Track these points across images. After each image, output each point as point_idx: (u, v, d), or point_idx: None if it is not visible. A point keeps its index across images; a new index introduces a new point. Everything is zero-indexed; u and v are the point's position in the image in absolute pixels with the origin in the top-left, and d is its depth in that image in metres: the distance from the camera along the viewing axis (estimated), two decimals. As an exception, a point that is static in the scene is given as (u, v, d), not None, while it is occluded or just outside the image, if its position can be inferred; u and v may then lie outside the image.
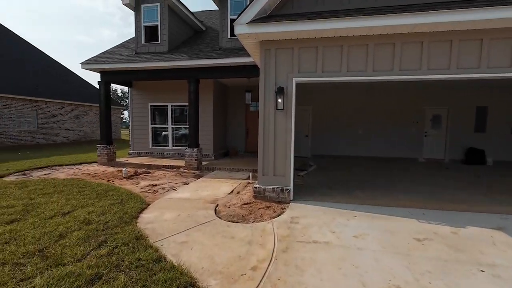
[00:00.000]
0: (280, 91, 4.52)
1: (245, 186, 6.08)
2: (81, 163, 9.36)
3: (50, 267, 2.58)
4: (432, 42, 4.14)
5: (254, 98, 10.27)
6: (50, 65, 19.12)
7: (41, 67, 18.03)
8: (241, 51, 7.84)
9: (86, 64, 8.50)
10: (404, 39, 4.20)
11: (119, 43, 10.51)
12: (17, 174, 7.53)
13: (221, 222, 3.82)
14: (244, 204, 4.61)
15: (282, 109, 4.57)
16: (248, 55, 7.33)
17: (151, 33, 9.13)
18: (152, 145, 10.33)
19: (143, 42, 8.91)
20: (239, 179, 6.81)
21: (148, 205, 4.63)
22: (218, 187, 5.98)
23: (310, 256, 2.84)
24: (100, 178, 6.95)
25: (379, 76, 4.33)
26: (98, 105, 19.68)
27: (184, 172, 7.73)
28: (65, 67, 20.53)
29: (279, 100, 4.52)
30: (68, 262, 2.67)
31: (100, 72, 8.72)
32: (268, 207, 4.43)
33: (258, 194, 4.79)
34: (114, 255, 2.80)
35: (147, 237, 3.31)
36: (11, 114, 14.24)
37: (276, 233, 3.41)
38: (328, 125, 11.08)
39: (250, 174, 7.04)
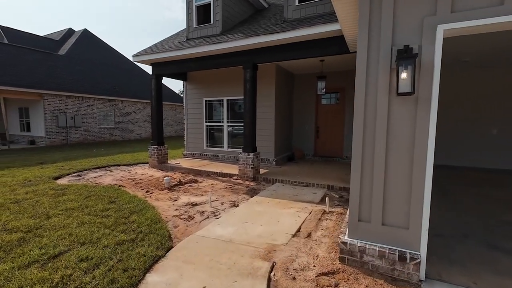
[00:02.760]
0: (404, 57, 2.16)
1: (319, 219, 3.90)
2: (137, 164, 8.91)
3: None
4: None
5: (328, 88, 7.84)
6: (128, 67, 20.64)
7: (121, 69, 19.54)
8: (314, 19, 5.58)
9: (137, 56, 7.69)
10: None
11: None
12: (74, 174, 7.33)
13: (277, 335, 1.81)
14: (323, 274, 2.47)
15: (410, 93, 2.19)
16: (325, 22, 5.04)
17: (204, 14, 7.73)
18: (207, 146, 9.10)
19: (194, 26, 7.58)
20: (309, 202, 4.67)
21: (169, 249, 3.01)
22: (278, 216, 3.99)
23: None
24: (141, 187, 5.89)
25: None
26: (169, 103, 20.37)
27: (236, 184, 6.03)
28: (140, 68, 21.96)
29: (403, 75, 2.16)
30: None
31: (151, 64, 7.83)
32: (374, 295, 2.19)
33: (349, 257, 2.56)
34: None
35: None
36: (93, 113, 15.54)
37: None
38: (438, 122, 7.69)
39: (326, 196, 4.80)
